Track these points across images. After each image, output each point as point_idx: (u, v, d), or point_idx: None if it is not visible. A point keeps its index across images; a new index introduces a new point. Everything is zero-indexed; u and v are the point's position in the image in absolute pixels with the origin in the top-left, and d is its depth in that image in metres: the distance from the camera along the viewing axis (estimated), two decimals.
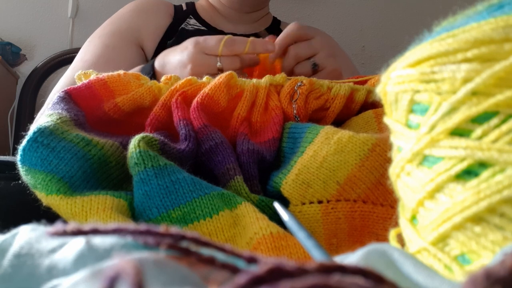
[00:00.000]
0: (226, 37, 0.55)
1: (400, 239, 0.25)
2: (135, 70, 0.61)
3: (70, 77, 0.73)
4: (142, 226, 0.17)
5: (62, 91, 0.42)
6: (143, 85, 0.46)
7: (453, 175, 0.20)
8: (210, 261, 0.17)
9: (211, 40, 0.56)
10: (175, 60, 0.57)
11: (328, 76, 0.56)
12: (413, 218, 0.23)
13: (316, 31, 0.63)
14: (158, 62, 0.60)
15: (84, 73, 0.48)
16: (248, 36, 0.61)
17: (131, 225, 0.17)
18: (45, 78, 1.31)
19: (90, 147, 0.35)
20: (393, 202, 0.34)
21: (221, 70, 0.54)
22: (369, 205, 0.35)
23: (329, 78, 0.51)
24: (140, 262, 0.15)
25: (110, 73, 0.46)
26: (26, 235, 0.19)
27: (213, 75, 0.52)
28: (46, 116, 0.37)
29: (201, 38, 0.57)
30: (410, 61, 0.23)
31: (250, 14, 0.89)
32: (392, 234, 0.27)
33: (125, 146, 0.37)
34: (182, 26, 0.85)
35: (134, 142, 0.34)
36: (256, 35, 0.84)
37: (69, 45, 1.39)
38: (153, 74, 0.59)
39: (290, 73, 0.59)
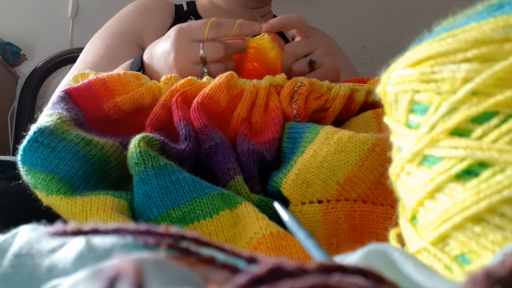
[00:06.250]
0: (211, 19, 0.53)
1: (400, 239, 0.25)
2: (126, 64, 0.61)
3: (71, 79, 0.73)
4: (142, 226, 0.17)
5: (62, 91, 0.42)
6: (143, 85, 0.46)
7: (453, 175, 0.20)
8: (210, 261, 0.17)
9: (195, 24, 0.53)
10: (160, 49, 0.56)
11: (326, 73, 0.55)
12: (413, 218, 0.23)
13: (314, 30, 0.62)
14: (146, 54, 0.59)
15: (82, 74, 0.48)
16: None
17: (131, 225, 0.17)
18: (45, 78, 1.31)
19: (90, 147, 0.35)
20: (393, 202, 0.34)
21: (203, 59, 0.53)
22: (369, 204, 0.35)
23: (327, 75, 0.51)
24: (140, 262, 0.15)
25: (110, 73, 0.46)
26: (26, 235, 0.19)
27: (197, 63, 0.52)
28: (46, 115, 0.37)
29: (184, 24, 0.54)
30: (410, 61, 0.23)
31: (254, 11, 0.89)
32: (392, 234, 0.27)
33: (125, 146, 0.37)
34: None
35: (134, 142, 0.34)
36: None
37: (69, 45, 1.39)
38: (142, 67, 0.58)
39: (288, 71, 0.58)
